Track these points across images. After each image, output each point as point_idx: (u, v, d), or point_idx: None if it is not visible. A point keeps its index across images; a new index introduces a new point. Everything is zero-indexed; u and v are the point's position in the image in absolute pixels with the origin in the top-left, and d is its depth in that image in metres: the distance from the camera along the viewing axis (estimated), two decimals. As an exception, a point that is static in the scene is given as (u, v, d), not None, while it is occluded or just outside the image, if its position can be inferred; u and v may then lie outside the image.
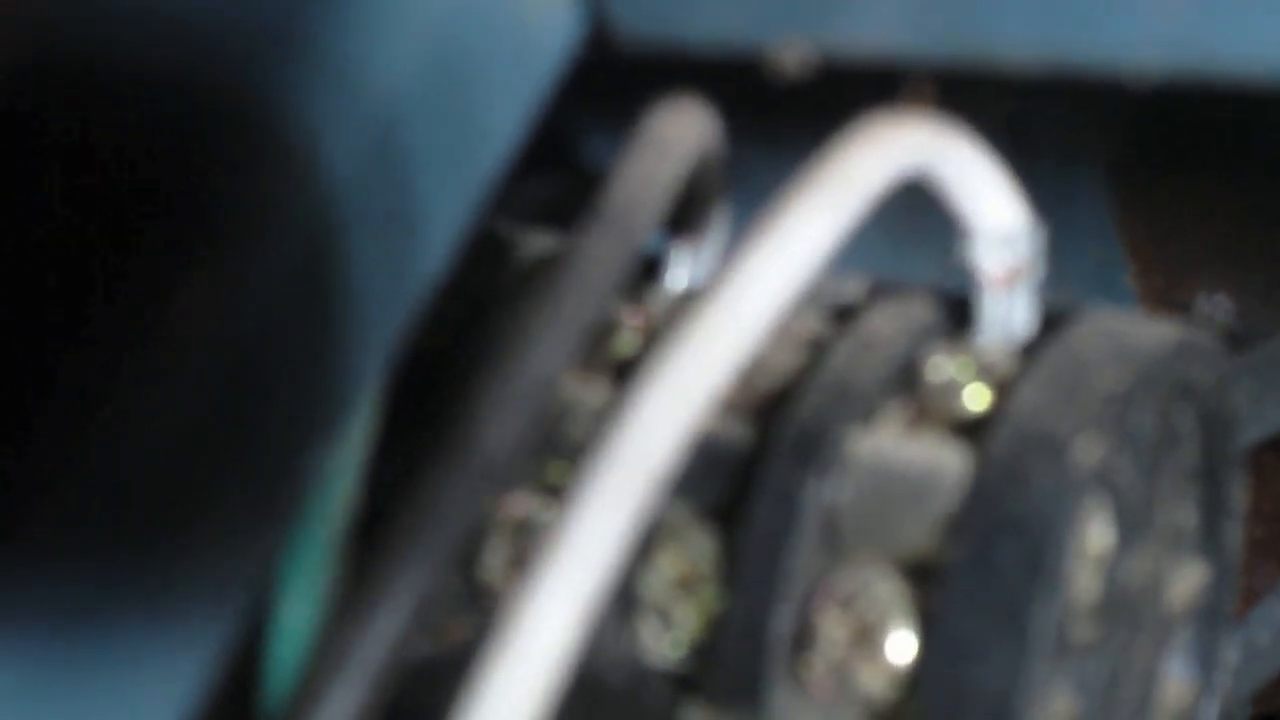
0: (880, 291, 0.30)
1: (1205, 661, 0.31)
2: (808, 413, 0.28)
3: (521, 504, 0.30)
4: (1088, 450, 0.26)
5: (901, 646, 0.26)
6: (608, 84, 0.31)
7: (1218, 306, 0.49)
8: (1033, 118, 0.45)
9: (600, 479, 0.24)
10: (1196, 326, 0.30)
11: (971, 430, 0.27)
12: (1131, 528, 0.28)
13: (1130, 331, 0.28)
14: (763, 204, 0.26)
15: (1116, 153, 0.47)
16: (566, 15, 0.29)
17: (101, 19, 0.27)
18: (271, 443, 0.26)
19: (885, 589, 0.27)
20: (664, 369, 0.25)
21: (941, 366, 0.28)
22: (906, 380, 0.28)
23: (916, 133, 0.27)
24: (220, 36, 0.27)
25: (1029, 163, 0.30)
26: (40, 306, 0.25)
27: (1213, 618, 0.31)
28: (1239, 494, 0.31)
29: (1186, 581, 0.30)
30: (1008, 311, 0.29)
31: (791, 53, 0.26)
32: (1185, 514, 0.30)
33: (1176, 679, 0.31)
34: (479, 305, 0.31)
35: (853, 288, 0.30)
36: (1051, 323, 0.28)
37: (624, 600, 0.28)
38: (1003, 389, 0.28)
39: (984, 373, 0.28)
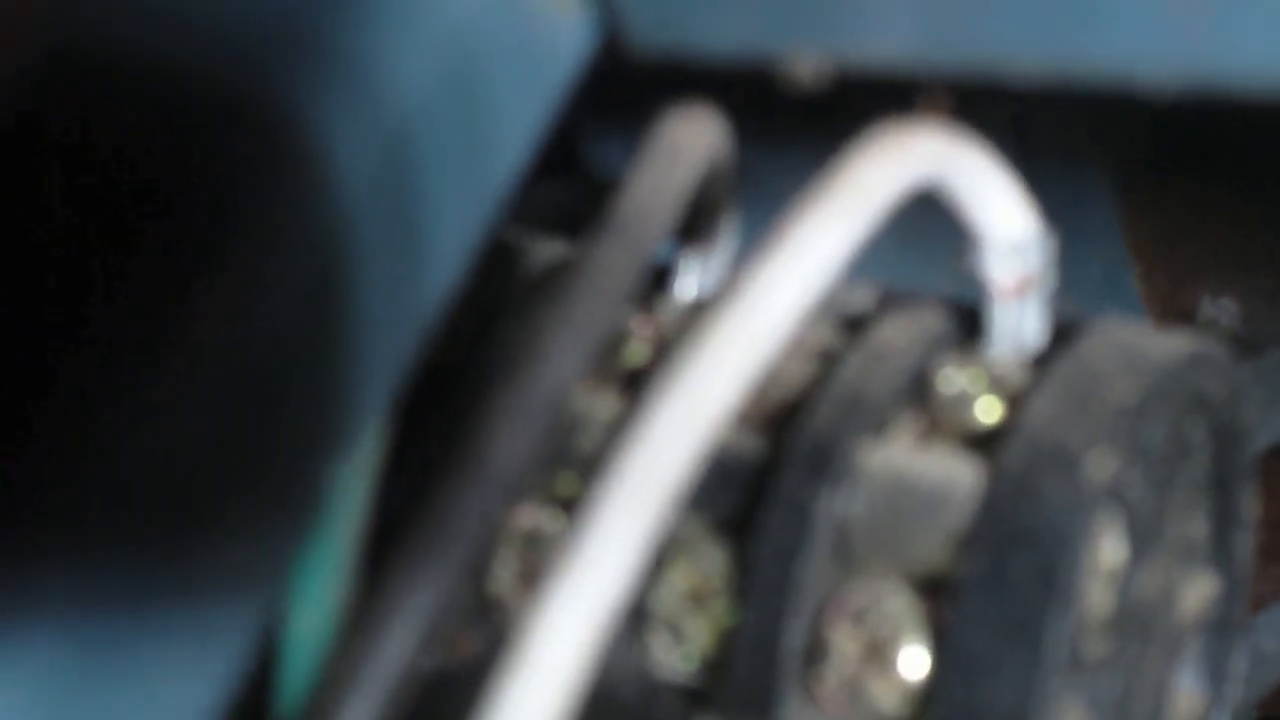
0: (891, 301, 0.30)
1: (1216, 673, 0.31)
2: (819, 424, 0.27)
3: (530, 515, 0.29)
4: (1101, 465, 0.26)
5: (913, 661, 0.26)
6: (618, 91, 0.31)
7: (1222, 310, 0.49)
8: (1038, 121, 0.45)
9: (614, 495, 0.24)
10: (1207, 337, 0.30)
11: (983, 443, 0.27)
12: (1143, 541, 0.28)
13: (1142, 343, 0.28)
14: (775, 213, 0.26)
15: (1122, 157, 0.47)
16: (580, 26, 0.29)
17: (116, 28, 0.27)
18: (284, 455, 0.26)
19: (897, 603, 0.26)
20: (678, 383, 0.25)
21: (953, 378, 0.28)
22: (918, 392, 0.28)
23: (929, 143, 0.27)
24: (235, 46, 0.26)
25: (1034, 166, 0.30)
26: (57, 317, 0.25)
27: (1223, 629, 0.31)
28: (1250, 504, 0.31)
29: (1197, 593, 0.30)
30: (1019, 322, 0.28)
31: (805, 63, 0.26)
32: (1196, 525, 0.30)
33: (1187, 691, 0.31)
34: (490, 314, 0.31)
35: (863, 298, 0.30)
36: (1062, 333, 0.28)
37: (635, 614, 0.28)
38: (1014, 401, 0.27)
39: (996, 384, 0.28)
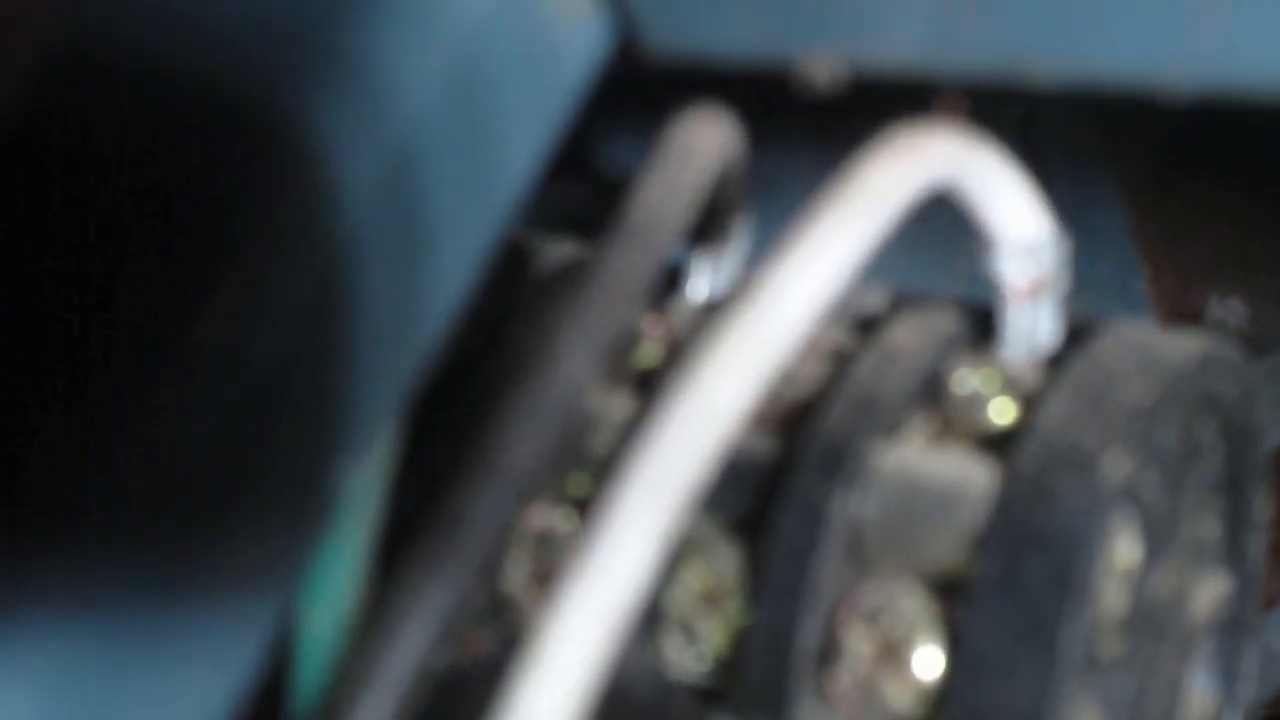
0: (903, 303, 0.30)
1: (1228, 673, 0.31)
2: (832, 425, 0.27)
3: (542, 516, 0.29)
4: (1115, 465, 0.26)
5: (928, 662, 0.26)
6: (630, 93, 0.31)
7: (1230, 311, 0.49)
8: (1046, 123, 0.45)
9: (629, 495, 0.24)
10: (1219, 337, 0.30)
11: (997, 444, 0.27)
12: (1157, 541, 0.28)
13: (1155, 344, 0.28)
14: (787, 215, 0.26)
15: (1131, 158, 0.47)
16: (594, 28, 0.29)
17: (120, 30, 0.27)
18: (293, 457, 0.26)
19: (911, 604, 0.27)
20: (692, 384, 0.25)
21: (966, 379, 0.28)
22: (931, 393, 0.28)
23: (942, 144, 0.27)
24: (240, 50, 0.26)
25: (1042, 168, 0.30)
26: (60, 320, 0.25)
27: (1235, 629, 0.31)
28: (1262, 505, 0.31)
29: (1210, 593, 0.30)
30: (1032, 323, 0.28)
31: (821, 66, 0.26)
32: (1208, 526, 0.30)
33: (1200, 691, 0.31)
34: (502, 315, 0.31)
35: (875, 299, 0.30)
36: (1076, 334, 0.28)
37: (649, 614, 0.28)
38: (1028, 402, 0.27)
39: (1009, 386, 0.28)
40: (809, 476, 0.27)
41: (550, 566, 0.29)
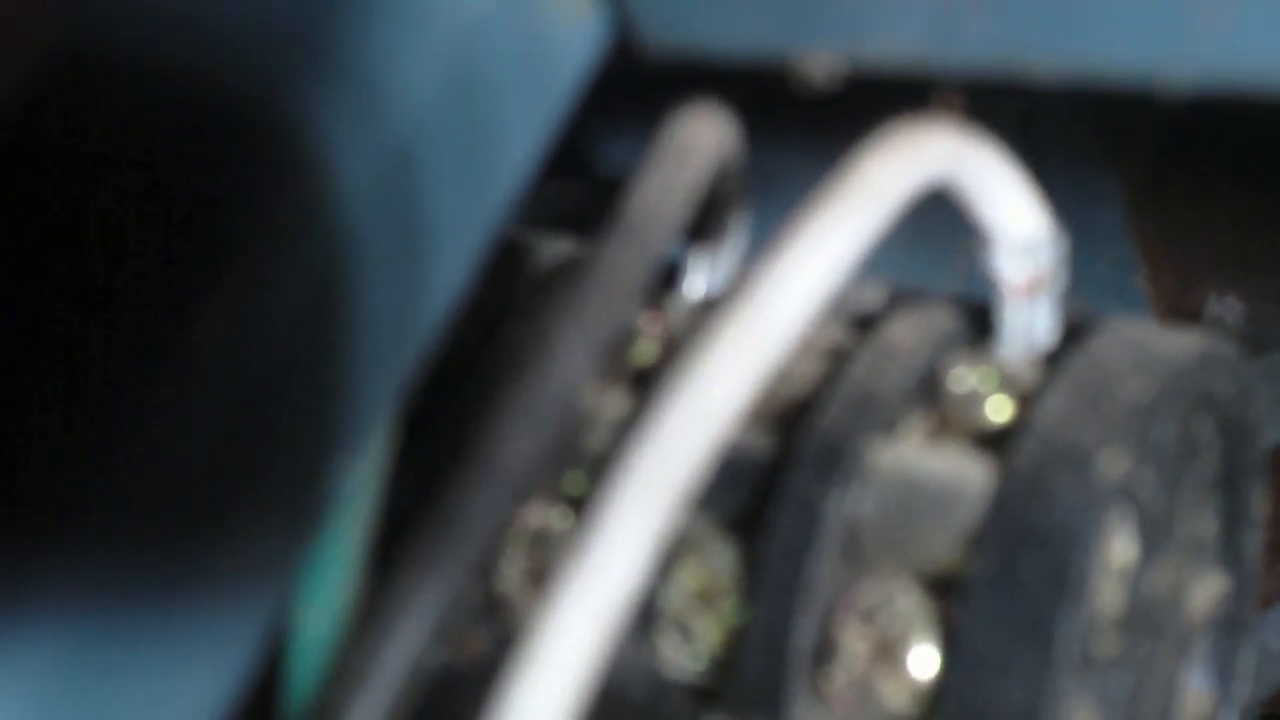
0: (901, 300, 0.30)
1: (1224, 672, 0.31)
2: (829, 423, 0.27)
3: (538, 514, 0.29)
4: (1112, 463, 0.26)
5: (923, 660, 0.26)
6: (627, 90, 0.31)
7: (1228, 309, 0.49)
8: (1045, 120, 0.44)
9: (625, 494, 0.24)
10: (1217, 335, 0.30)
11: (994, 442, 0.27)
12: (1154, 540, 0.28)
13: (1153, 341, 0.28)
14: (784, 212, 0.26)
15: (1129, 156, 0.47)
16: (591, 25, 0.29)
17: (120, 31, 0.27)
18: (289, 456, 0.26)
19: (907, 602, 0.26)
20: (688, 381, 0.25)
21: (964, 377, 0.28)
22: (928, 390, 0.28)
23: (940, 141, 0.27)
24: (238, 51, 0.26)
25: (1041, 165, 0.29)
26: (60, 320, 0.25)
27: (1231, 627, 0.31)
28: (1259, 503, 0.31)
29: (1206, 592, 0.30)
30: (1029, 321, 0.28)
31: (818, 62, 0.26)
32: (1205, 524, 0.30)
33: (1196, 689, 0.31)
34: (498, 313, 0.31)
35: (872, 296, 0.30)
36: (1073, 332, 0.28)
37: (644, 613, 0.28)
38: (1025, 400, 0.27)
39: (1006, 383, 0.28)
40: (805, 475, 0.27)
41: (545, 565, 0.29)
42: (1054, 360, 0.28)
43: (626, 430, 0.28)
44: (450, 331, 0.29)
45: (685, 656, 0.28)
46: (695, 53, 0.28)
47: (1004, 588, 0.26)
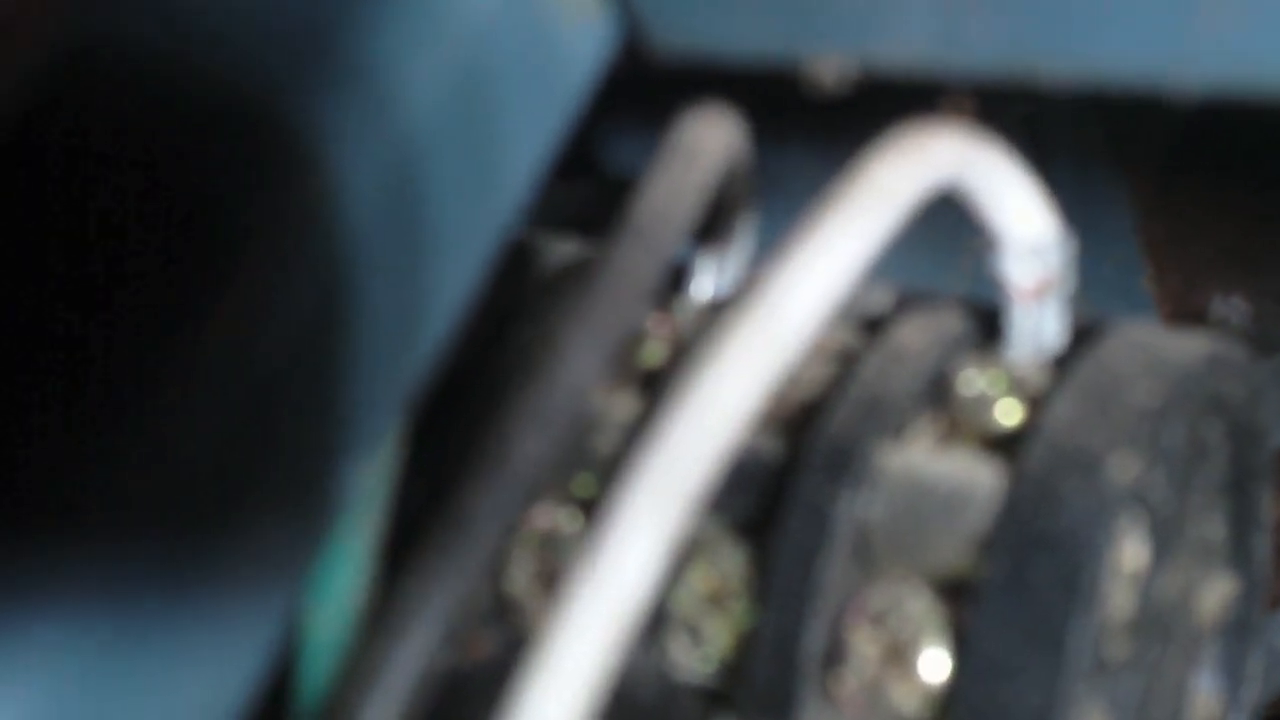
0: (910, 303, 0.30)
1: (1233, 675, 0.31)
2: (838, 426, 0.27)
3: (547, 516, 0.29)
4: (1123, 467, 0.26)
5: (934, 664, 0.26)
6: (635, 92, 0.31)
7: (1233, 309, 0.48)
8: (1051, 122, 0.44)
9: (636, 497, 0.24)
10: (1226, 338, 0.29)
11: (1004, 445, 0.27)
12: (1164, 544, 0.28)
13: (1162, 345, 0.28)
14: (794, 215, 0.26)
15: (1135, 158, 0.47)
16: (601, 28, 0.29)
17: (126, 34, 0.27)
18: (301, 461, 0.26)
19: (918, 606, 0.26)
20: (700, 385, 0.25)
21: (973, 380, 0.28)
22: (938, 394, 0.28)
23: (948, 144, 0.27)
24: (244, 54, 0.26)
25: (1047, 167, 0.29)
26: (66, 323, 0.25)
27: (1241, 631, 0.31)
28: (1268, 505, 0.31)
29: (1216, 595, 0.30)
30: (1038, 324, 0.28)
31: (828, 66, 0.26)
32: (1214, 527, 0.30)
33: (1205, 693, 0.31)
34: (508, 315, 0.31)
35: (882, 299, 0.30)
36: (1082, 335, 0.28)
37: (654, 616, 0.28)
38: (1035, 403, 0.27)
39: (1016, 387, 0.28)
40: (815, 478, 0.27)
41: (554, 567, 0.29)
42: (1063, 364, 0.28)
43: (637, 433, 0.28)
44: (459, 333, 0.29)
45: (695, 659, 0.28)
46: (703, 55, 0.27)
47: (1015, 592, 0.26)
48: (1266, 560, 0.31)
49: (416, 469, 0.30)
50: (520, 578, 0.29)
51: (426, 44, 0.27)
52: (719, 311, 0.30)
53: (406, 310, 0.27)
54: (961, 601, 0.26)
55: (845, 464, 0.27)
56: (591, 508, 0.29)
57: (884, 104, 0.29)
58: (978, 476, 0.27)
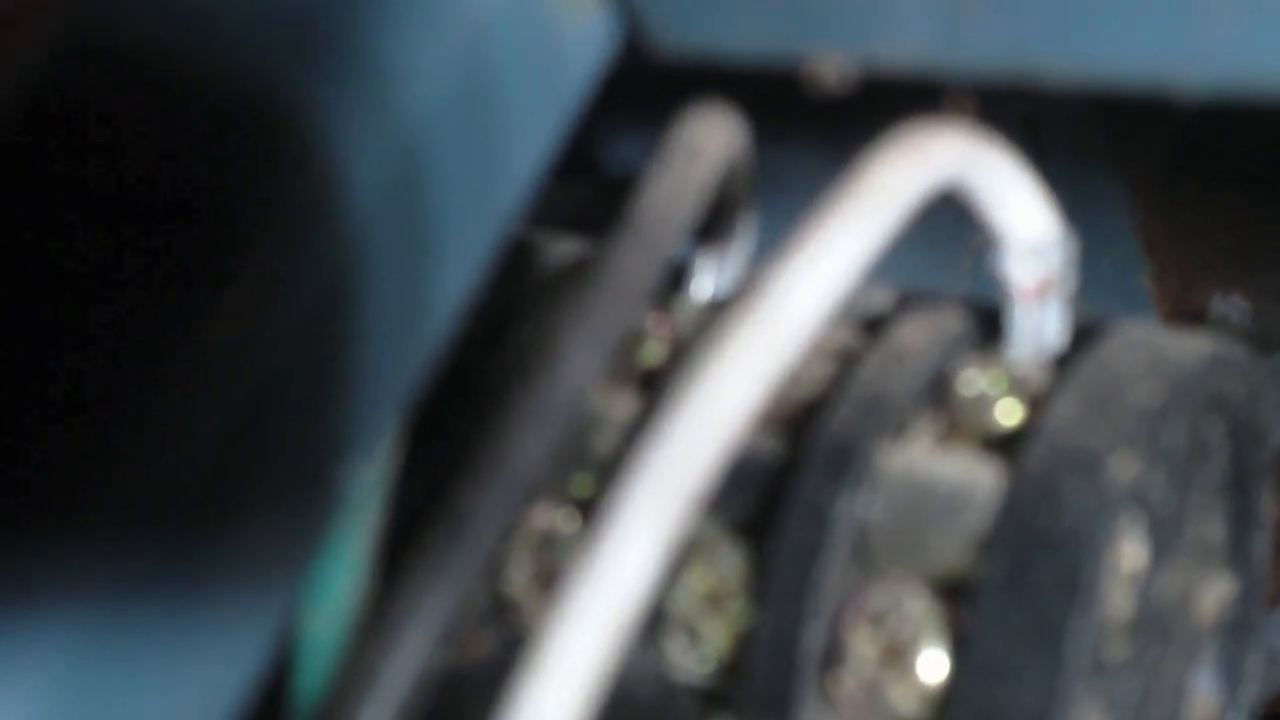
0: (910, 302, 0.30)
1: (1231, 675, 0.31)
2: (838, 426, 0.27)
3: (545, 516, 0.29)
4: (1123, 468, 0.26)
5: (933, 665, 0.26)
6: (636, 91, 0.31)
7: (1233, 308, 0.48)
8: (1051, 121, 0.44)
9: (634, 498, 0.24)
10: (1226, 337, 0.29)
11: (1004, 445, 0.27)
12: (1164, 544, 0.28)
13: (1163, 344, 0.28)
14: (794, 214, 0.25)
15: (1134, 157, 0.47)
16: (601, 27, 0.28)
17: (129, 30, 0.26)
18: (301, 460, 0.26)
19: (917, 606, 0.26)
20: (699, 385, 0.25)
21: (973, 380, 0.28)
22: (938, 393, 0.28)
23: (950, 144, 0.27)
24: (247, 50, 0.26)
25: (1047, 166, 0.29)
26: (67, 321, 0.25)
27: (1239, 631, 0.31)
28: (1267, 505, 0.31)
29: (1215, 595, 0.30)
30: (1039, 323, 0.28)
31: (830, 65, 0.26)
32: (1214, 527, 0.30)
33: (1204, 693, 0.31)
34: (507, 314, 0.31)
35: (882, 298, 0.30)
36: (1083, 335, 0.28)
37: (652, 616, 0.28)
38: (1035, 403, 0.27)
39: (1016, 386, 0.28)
40: (814, 478, 0.27)
41: (552, 568, 0.29)
42: (1064, 363, 0.28)
43: (636, 433, 0.28)
44: (459, 332, 0.29)
45: (693, 660, 0.28)
46: (705, 54, 0.27)
47: (1014, 592, 0.25)
48: (1265, 560, 0.31)
49: (415, 468, 0.30)
50: (518, 578, 0.29)
51: (429, 41, 0.27)
52: (719, 311, 0.30)
53: (408, 308, 0.27)
54: (960, 602, 0.26)
55: (845, 464, 0.27)
56: (589, 508, 0.29)
57: (885, 104, 0.29)
58: (978, 476, 0.27)
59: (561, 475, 0.29)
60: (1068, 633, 0.25)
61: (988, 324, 0.29)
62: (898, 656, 0.26)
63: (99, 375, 0.25)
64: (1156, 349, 0.27)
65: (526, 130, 0.28)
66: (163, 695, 0.25)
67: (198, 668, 0.25)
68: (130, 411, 0.25)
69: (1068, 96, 0.26)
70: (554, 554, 0.29)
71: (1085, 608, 0.25)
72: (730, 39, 0.27)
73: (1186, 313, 0.48)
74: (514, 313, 0.31)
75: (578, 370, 0.26)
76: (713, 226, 0.31)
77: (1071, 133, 0.46)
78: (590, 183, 0.41)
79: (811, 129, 0.37)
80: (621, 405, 0.29)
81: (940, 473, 0.27)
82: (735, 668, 0.27)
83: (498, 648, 0.29)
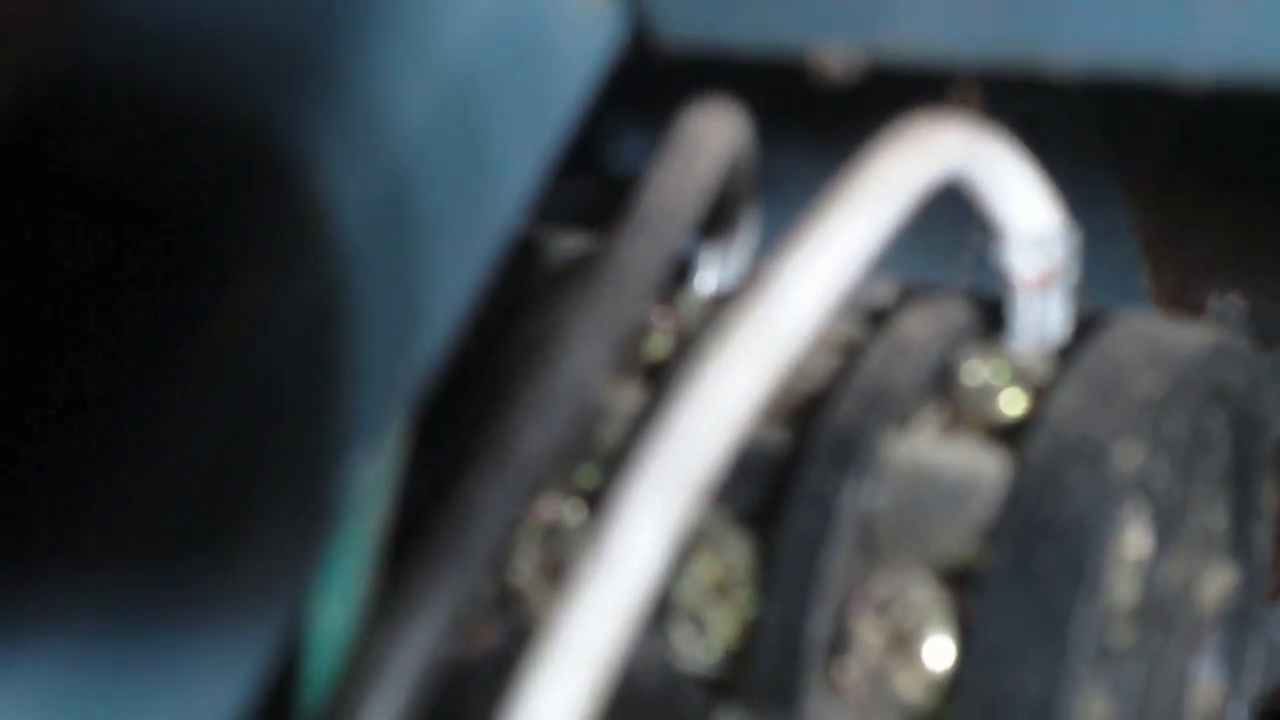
0: (913, 294, 0.30)
1: (1234, 664, 0.31)
2: (843, 417, 0.27)
3: (551, 508, 0.29)
4: (1127, 456, 0.26)
5: (939, 653, 0.26)
6: (639, 86, 0.31)
7: (1230, 306, 0.49)
8: (1050, 119, 0.45)
9: (641, 489, 0.24)
10: (1227, 329, 0.30)
11: (1008, 435, 0.27)
12: (1167, 532, 0.28)
13: (1165, 335, 0.28)
14: (797, 208, 0.26)
15: (1133, 155, 0.47)
16: (608, 20, 0.29)
17: (118, 51, 0.27)
18: (300, 461, 0.26)
19: (922, 594, 0.27)
20: (705, 376, 0.25)
21: (977, 370, 0.28)
22: (942, 384, 0.28)
23: (954, 136, 0.27)
24: (232, 72, 0.26)
25: (1045, 164, 0.30)
26: (60, 331, 0.25)
27: (1241, 620, 0.31)
28: (1269, 496, 0.31)
29: (1217, 584, 0.30)
30: (1042, 314, 0.28)
31: (836, 55, 0.26)
32: (1216, 517, 0.30)
33: (1206, 682, 0.31)
34: (513, 309, 0.31)
35: (884, 290, 0.30)
36: (1085, 326, 0.28)
37: (658, 606, 0.28)
38: (1039, 393, 0.27)
39: (1019, 377, 0.28)
40: (820, 468, 0.27)
41: (559, 559, 0.29)
42: (1066, 354, 0.28)
43: (643, 424, 0.28)
44: (463, 328, 0.29)
45: (699, 649, 0.28)
46: (711, 46, 0.28)
47: (1019, 580, 0.26)
48: (1267, 551, 0.31)
49: (421, 462, 0.30)
50: (525, 569, 0.30)
51: (417, 57, 0.27)
52: (723, 304, 0.30)
53: (404, 312, 0.28)
54: (966, 590, 0.26)
55: (850, 454, 0.27)
56: (595, 499, 0.29)
57: (886, 101, 0.29)
58: (982, 466, 0.27)
59: (568, 467, 0.29)
60: (1072, 620, 0.25)
61: (991, 315, 0.29)
62: (903, 644, 0.26)
63: (99, 375, 0.25)
64: (1158, 339, 0.28)
65: (524, 130, 0.29)
66: (168, 694, 0.25)
67: (205, 664, 0.26)
68: (130, 411, 0.25)
69: (1072, 85, 0.26)
70: (560, 545, 0.29)
71: (1090, 595, 0.25)
72: (736, 30, 0.27)
73: (1184, 312, 0.49)
74: (520, 308, 0.31)
75: (584, 363, 0.26)
76: (716, 221, 0.31)
77: (1070, 132, 0.46)
78: (594, 179, 0.41)
79: (814, 125, 0.38)
80: (627, 398, 0.30)
81: (945, 462, 0.27)
82: (741, 657, 0.28)
83: (505, 639, 0.29)
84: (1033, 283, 0.28)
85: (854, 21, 0.26)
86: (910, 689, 0.26)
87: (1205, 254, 0.49)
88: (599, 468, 0.29)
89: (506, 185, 0.29)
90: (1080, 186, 0.47)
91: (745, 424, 0.25)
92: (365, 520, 0.29)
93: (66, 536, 0.24)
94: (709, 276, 0.31)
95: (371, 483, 0.29)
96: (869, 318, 0.29)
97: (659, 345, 0.30)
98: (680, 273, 0.31)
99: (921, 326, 0.28)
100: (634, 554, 0.24)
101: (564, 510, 0.29)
